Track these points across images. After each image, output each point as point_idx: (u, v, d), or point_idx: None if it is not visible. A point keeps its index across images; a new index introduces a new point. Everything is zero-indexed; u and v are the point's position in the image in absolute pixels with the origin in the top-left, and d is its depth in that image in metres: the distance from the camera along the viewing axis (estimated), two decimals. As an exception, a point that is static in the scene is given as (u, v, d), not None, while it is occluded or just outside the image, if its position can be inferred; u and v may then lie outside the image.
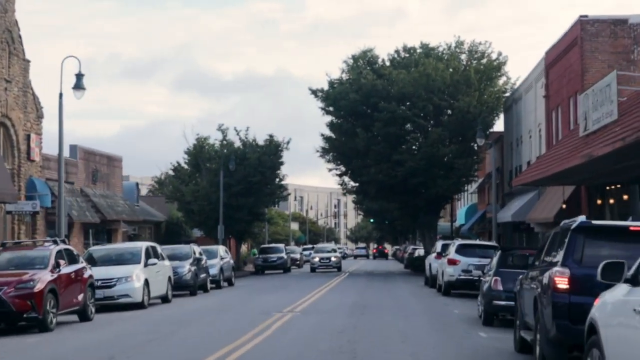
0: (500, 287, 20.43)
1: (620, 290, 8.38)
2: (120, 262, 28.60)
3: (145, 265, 28.60)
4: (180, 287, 34.87)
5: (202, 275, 37.13)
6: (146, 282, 28.09)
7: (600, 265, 8.91)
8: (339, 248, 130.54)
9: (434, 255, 40.93)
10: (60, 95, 29.73)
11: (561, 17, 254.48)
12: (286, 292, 36.04)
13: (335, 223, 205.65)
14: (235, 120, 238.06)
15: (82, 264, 23.30)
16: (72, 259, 22.64)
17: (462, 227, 75.89)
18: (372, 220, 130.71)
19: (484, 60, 58.85)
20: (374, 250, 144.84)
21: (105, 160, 46.18)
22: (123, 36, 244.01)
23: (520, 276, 15.50)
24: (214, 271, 40.46)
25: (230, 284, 43.79)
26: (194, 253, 36.56)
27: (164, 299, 30.82)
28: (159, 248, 31.72)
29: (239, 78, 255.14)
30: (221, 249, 43.74)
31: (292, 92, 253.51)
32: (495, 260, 21.20)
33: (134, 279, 27.46)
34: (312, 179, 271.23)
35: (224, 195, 58.34)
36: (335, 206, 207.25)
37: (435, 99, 56.29)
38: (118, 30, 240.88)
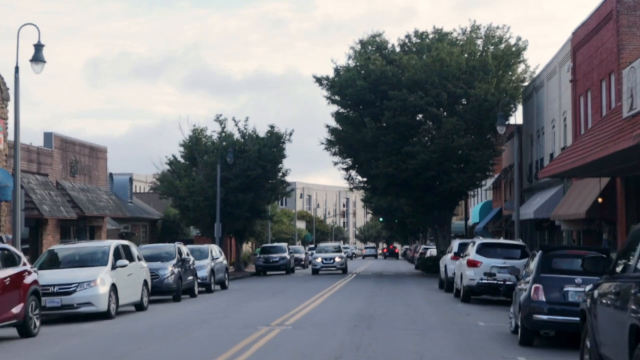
0: (542, 298, 16.02)
1: None
2: (84, 263, 24.29)
3: (114, 267, 24.27)
4: (162, 292, 30.64)
5: (189, 278, 32.84)
6: (113, 288, 23.77)
7: None
8: (345, 247, 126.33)
9: (449, 255, 36.60)
10: (17, 69, 25.47)
11: (576, 15, 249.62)
12: (282, 297, 31.72)
13: (343, 222, 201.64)
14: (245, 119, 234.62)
15: (23, 266, 18.97)
16: (8, 261, 18.33)
17: (476, 226, 71.61)
18: (381, 219, 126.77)
19: (502, 46, 54.36)
20: (385, 250, 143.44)
21: (87, 151, 41.85)
22: (133, 36, 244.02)
23: (589, 287, 11.16)
24: (203, 273, 36.20)
25: (224, 287, 39.52)
26: (179, 253, 32.25)
27: (139, 307, 26.53)
28: (133, 247, 27.39)
29: (248, 77, 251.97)
30: (214, 248, 39.45)
31: (302, 92, 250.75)
32: (534, 263, 16.75)
33: (97, 283, 23.13)
34: (321, 178, 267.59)
35: (222, 191, 54.07)
36: (343, 205, 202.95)
37: (450, 86, 51.89)
38: (128, 30, 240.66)
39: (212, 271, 37.19)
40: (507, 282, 28.09)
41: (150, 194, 75.88)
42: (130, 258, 26.11)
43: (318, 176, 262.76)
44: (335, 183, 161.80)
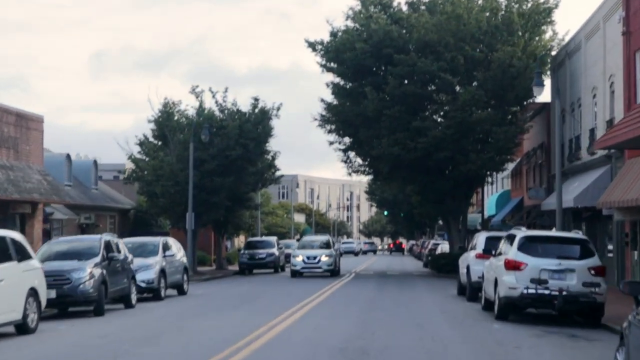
0: None
1: None
2: None
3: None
4: (76, 302, 22.04)
5: (122, 282, 24.17)
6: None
7: None
8: (348, 242, 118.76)
9: (473, 253, 27.91)
10: None
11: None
12: (245, 311, 23.03)
13: (347, 216, 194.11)
14: None
15: None
16: None
17: (492, 219, 62.89)
18: (386, 213, 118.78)
19: (529, 4, 45.44)
20: (391, 245, 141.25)
21: (13, 119, 33.11)
22: (137, 30, 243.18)
23: None
24: (148, 275, 27.56)
25: (182, 291, 30.84)
26: (107, 248, 23.53)
27: (20, 328, 17.88)
28: (22, 241, 18.74)
29: (253, 71, 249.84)
30: (169, 243, 30.72)
31: (307, 86, 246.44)
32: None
33: None
34: (326, 172, 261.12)
35: (196, 174, 45.39)
36: (347, 199, 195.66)
37: (468, 48, 43.13)
38: (132, 24, 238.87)
39: (163, 272, 28.49)
40: (565, 293, 19.41)
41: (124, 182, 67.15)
42: (7, 257, 17.47)
43: (323, 170, 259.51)
44: (339, 176, 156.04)
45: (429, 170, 45.43)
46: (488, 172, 47.50)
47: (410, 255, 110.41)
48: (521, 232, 21.35)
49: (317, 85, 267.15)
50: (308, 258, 43.98)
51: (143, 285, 27.40)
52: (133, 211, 58.67)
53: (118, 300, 24.64)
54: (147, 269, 27.56)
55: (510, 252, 20.59)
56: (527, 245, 20.44)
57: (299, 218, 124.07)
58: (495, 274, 21.29)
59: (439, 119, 44.67)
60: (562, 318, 20.65)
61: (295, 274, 44.11)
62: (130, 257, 25.54)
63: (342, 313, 21.99)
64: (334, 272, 44.23)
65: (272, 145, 52.80)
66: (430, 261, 53.23)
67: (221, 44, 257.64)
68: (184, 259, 31.71)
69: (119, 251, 24.68)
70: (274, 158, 53.45)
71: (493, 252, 23.70)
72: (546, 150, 49.30)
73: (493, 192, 70.36)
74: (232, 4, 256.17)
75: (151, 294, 27.97)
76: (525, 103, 45.32)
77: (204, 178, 46.32)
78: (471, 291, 27.42)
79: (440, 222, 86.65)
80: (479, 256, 27.05)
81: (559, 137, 35.18)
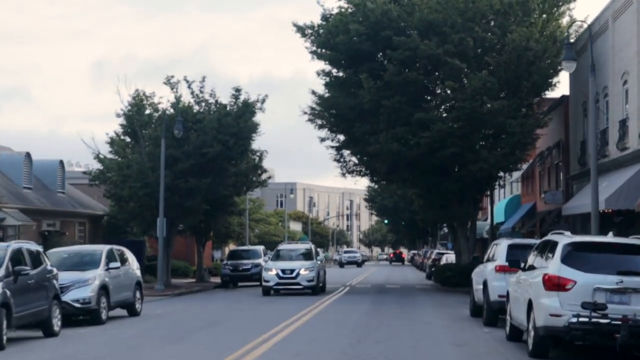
0: None
1: None
2: None
3: None
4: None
5: (37, 303, 18.53)
6: None
7: None
8: (351, 251, 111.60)
9: (491, 266, 22.26)
10: None
11: None
12: (193, 344, 17.35)
13: (347, 225, 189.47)
14: None
15: None
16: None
17: (500, 226, 57.21)
18: (386, 222, 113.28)
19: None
20: (391, 255, 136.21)
21: None
22: (139, 40, 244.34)
23: None
24: (83, 293, 21.92)
25: (133, 312, 25.18)
26: (14, 259, 17.88)
27: None
28: None
29: (255, 81, 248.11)
30: (118, 252, 25.03)
31: (309, 95, 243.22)
32: None
33: None
34: (326, 181, 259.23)
35: (168, 175, 39.89)
36: (347, 207, 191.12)
37: (478, 29, 37.50)
38: (134, 34, 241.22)
39: (105, 288, 22.81)
40: (630, 322, 13.79)
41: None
42: None
43: (323, 180, 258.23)
44: (339, 184, 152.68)
45: (433, 169, 39.75)
46: (501, 173, 41.74)
47: (411, 265, 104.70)
48: (565, 238, 15.65)
49: (318, 90, 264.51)
50: (284, 272, 35.67)
51: (77, 305, 21.81)
52: (106, 218, 53.01)
53: (36, 325, 19.04)
54: (82, 286, 21.96)
55: (552, 265, 14.94)
56: (575, 256, 14.81)
57: (295, 226, 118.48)
58: (529, 294, 15.64)
59: (444, 111, 38.96)
60: (622, 354, 15.01)
61: (268, 291, 36.07)
62: (54, 271, 19.89)
63: (322, 348, 16.28)
64: (315, 288, 35.93)
65: (260, 144, 47.33)
66: (434, 273, 47.52)
67: (222, 53, 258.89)
68: (136, 272, 26.01)
69: (40, 263, 19.04)
70: (260, 158, 47.92)
71: (521, 265, 18.05)
72: (563, 149, 43.72)
73: (501, 198, 64.76)
74: (233, 14, 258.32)
75: (89, 315, 22.34)
76: (543, 94, 39.67)
77: (178, 179, 40.73)
78: (490, 313, 21.80)
79: (445, 229, 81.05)
80: (499, 269, 21.48)
81: (593, 129, 29.46)
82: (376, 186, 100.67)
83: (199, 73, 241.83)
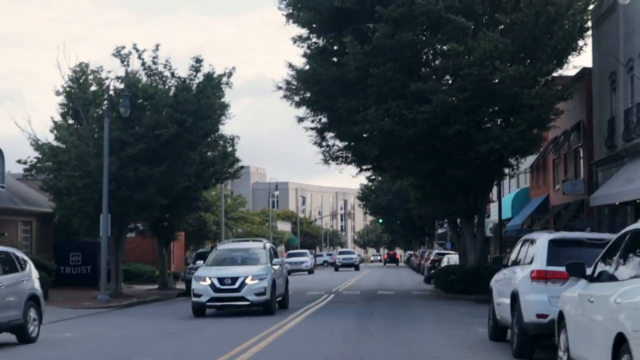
0: None
1: None
2: None
3: None
4: None
5: None
6: None
7: None
8: (347, 252, 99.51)
9: (523, 271, 15.30)
10: None
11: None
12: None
13: (341, 226, 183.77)
14: (245, 124, 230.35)
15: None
16: None
17: (507, 223, 50.37)
18: (381, 221, 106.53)
19: None
20: (385, 256, 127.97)
21: None
22: (135, 43, 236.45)
23: None
24: None
25: (25, 338, 18.24)
26: None
27: None
28: None
29: (249, 82, 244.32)
30: (12, 257, 18.08)
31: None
32: None
33: None
34: (319, 181, 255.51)
35: (114, 162, 33.04)
36: (341, 207, 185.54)
37: (487, -19, 30.70)
38: (131, 38, 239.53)
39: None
40: None
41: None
42: None
43: (317, 180, 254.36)
44: (333, 184, 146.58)
45: (433, 153, 32.82)
46: (514, 157, 34.76)
47: (407, 267, 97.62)
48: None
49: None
50: (221, 282, 24.94)
51: None
52: (58, 216, 45.99)
53: None
54: None
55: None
56: None
57: (284, 227, 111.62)
58: (622, 325, 8.73)
59: (447, 80, 31.99)
60: None
61: (200, 310, 25.31)
62: None
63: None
64: (268, 305, 25.08)
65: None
66: (434, 276, 40.54)
67: (217, 56, 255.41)
68: (35, 285, 19.04)
69: None
70: (231, 144, 40.98)
71: (588, 272, 11.21)
72: (585, 131, 37.00)
73: (505, 193, 57.78)
74: (228, 17, 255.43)
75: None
76: (566, 60, 32.76)
77: (126, 167, 33.76)
78: (523, 340, 14.86)
79: (444, 227, 74.08)
80: (538, 276, 14.55)
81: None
82: (369, 183, 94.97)
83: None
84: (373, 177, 46.38)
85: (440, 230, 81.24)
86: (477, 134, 31.09)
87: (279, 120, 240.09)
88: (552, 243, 14.92)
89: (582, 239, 14.86)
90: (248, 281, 24.95)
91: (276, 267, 26.15)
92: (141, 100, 34.42)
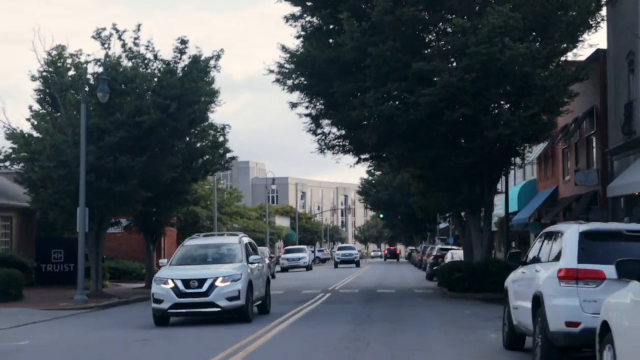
0: None
1: None
2: None
3: None
4: None
5: None
6: None
7: None
8: (347, 247, 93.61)
9: (547, 270, 12.76)
10: None
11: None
12: None
13: (342, 221, 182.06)
14: (245, 120, 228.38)
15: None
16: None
17: (513, 217, 47.74)
18: (381, 216, 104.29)
19: None
20: (386, 252, 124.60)
21: None
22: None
23: None
24: None
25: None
26: None
27: None
28: None
29: (250, 77, 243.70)
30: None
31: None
32: None
33: None
34: (320, 176, 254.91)
35: (92, 152, 30.56)
36: (342, 203, 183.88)
37: (495, -50, 28.13)
38: (130, 33, 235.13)
39: None
40: None
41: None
42: None
43: (318, 175, 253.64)
44: (334, 179, 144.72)
45: (437, 139, 30.30)
46: (525, 145, 32.13)
47: (409, 263, 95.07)
48: None
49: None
50: (186, 284, 20.94)
51: None
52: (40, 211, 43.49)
53: None
54: None
55: None
56: None
57: (282, 222, 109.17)
58: None
59: (452, 59, 29.40)
60: None
61: (162, 317, 21.37)
62: None
63: None
64: (243, 311, 21.18)
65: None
66: (438, 273, 38.05)
67: (217, 50, 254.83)
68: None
69: None
70: (221, 133, 38.47)
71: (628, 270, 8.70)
72: (599, 117, 34.52)
73: (510, 185, 55.11)
74: (228, 12, 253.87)
75: None
76: (581, 37, 30.17)
77: (105, 157, 31.22)
78: (548, 352, 12.37)
79: (446, 222, 71.50)
80: (567, 276, 12.03)
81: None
82: (370, 177, 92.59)
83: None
84: (371, 167, 43.55)
85: (442, 225, 78.75)
86: (485, 118, 28.50)
87: (279, 116, 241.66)
88: (584, 236, 12.39)
89: (621, 231, 12.34)
90: (218, 283, 20.87)
91: (253, 266, 22.33)
92: (122, 85, 31.84)
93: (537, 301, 12.75)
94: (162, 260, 21.90)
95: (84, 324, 22.67)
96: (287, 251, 74.27)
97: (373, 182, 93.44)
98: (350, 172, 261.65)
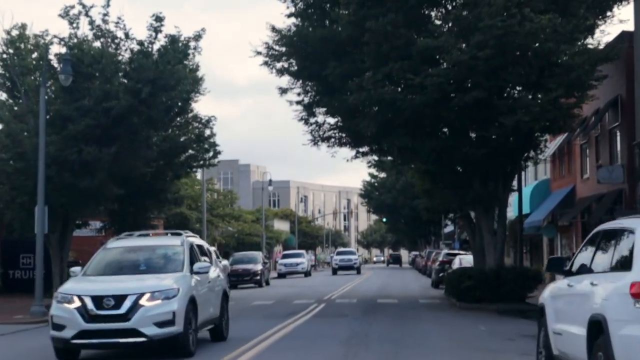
0: None
1: None
2: None
3: None
4: None
5: None
6: None
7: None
8: (347, 251, 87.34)
9: (611, 284, 8.96)
10: None
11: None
12: None
13: (344, 226, 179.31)
14: (248, 123, 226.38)
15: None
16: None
17: (526, 218, 43.85)
18: (384, 220, 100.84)
19: None
20: (388, 257, 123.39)
21: None
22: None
23: None
24: None
25: None
26: None
27: None
28: None
29: (252, 81, 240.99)
30: None
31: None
32: None
33: None
34: (322, 179, 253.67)
35: (54, 142, 26.91)
36: (344, 207, 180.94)
37: None
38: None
39: None
40: None
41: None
42: None
43: (320, 179, 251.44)
44: (336, 183, 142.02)
45: (445, 128, 26.53)
46: (546, 134, 28.36)
47: (412, 268, 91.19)
48: None
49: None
50: (98, 303, 14.68)
51: None
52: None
53: None
54: None
55: None
56: None
57: (282, 226, 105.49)
58: None
59: (462, 35, 25.61)
60: None
61: (65, 350, 15.04)
62: None
63: None
64: (180, 341, 14.95)
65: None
66: (445, 281, 34.21)
67: (219, 53, 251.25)
68: None
69: None
70: (205, 125, 34.80)
71: None
72: (624, 107, 30.82)
73: (524, 183, 51.26)
74: (230, 13, 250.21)
75: None
76: (610, 11, 26.40)
77: (68, 148, 27.49)
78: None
79: (451, 226, 67.78)
80: (647, 292, 8.26)
81: None
82: (372, 180, 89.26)
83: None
84: (370, 163, 39.79)
85: (447, 230, 74.90)
86: (501, 102, 24.72)
87: (282, 119, 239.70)
88: None
89: None
90: (144, 302, 14.70)
91: (199, 278, 16.09)
92: (89, 67, 28.11)
93: (597, 327, 8.95)
94: (74, 269, 16.32)
95: (24, 341, 18.88)
96: (285, 256, 69.70)
97: (376, 184, 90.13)
98: (353, 175, 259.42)
